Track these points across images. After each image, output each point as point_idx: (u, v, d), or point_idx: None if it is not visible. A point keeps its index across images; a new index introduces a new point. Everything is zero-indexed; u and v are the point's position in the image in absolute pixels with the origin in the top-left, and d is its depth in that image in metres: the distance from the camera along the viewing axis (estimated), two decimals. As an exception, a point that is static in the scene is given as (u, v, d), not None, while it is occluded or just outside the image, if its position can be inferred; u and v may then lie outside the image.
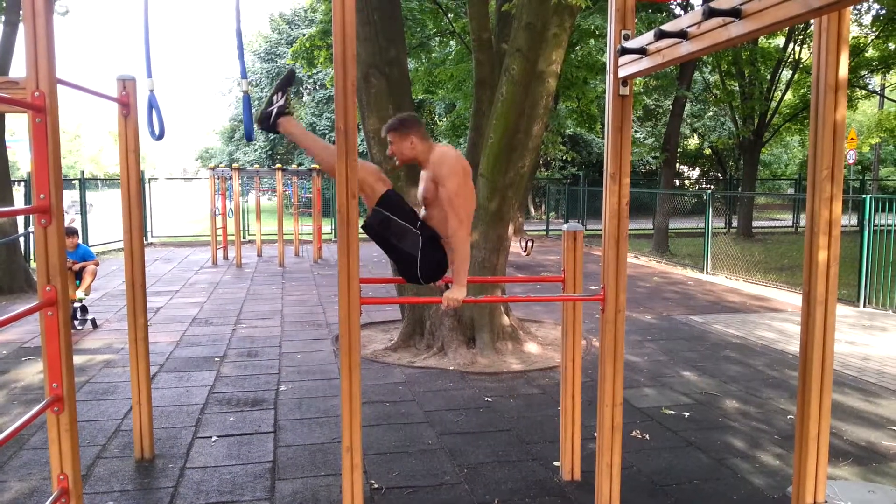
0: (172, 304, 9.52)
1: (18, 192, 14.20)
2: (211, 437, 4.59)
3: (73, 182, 16.56)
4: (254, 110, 3.42)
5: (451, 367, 6.25)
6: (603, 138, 3.31)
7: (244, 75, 3.44)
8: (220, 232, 14.85)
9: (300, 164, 29.08)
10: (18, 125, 33.58)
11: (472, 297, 3.34)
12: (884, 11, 15.82)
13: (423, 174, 3.47)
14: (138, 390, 4.17)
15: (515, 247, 14.03)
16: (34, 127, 2.48)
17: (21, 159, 42.16)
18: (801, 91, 19.40)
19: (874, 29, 17.13)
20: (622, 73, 3.03)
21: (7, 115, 10.43)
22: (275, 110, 3.28)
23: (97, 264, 8.12)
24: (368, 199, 3.32)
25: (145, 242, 16.83)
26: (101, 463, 4.15)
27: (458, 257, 3.29)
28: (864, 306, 9.31)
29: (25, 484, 3.84)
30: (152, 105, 3.83)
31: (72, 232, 7.79)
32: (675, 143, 18.09)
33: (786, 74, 19.38)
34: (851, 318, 8.63)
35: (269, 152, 34.04)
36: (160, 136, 3.87)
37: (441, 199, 3.25)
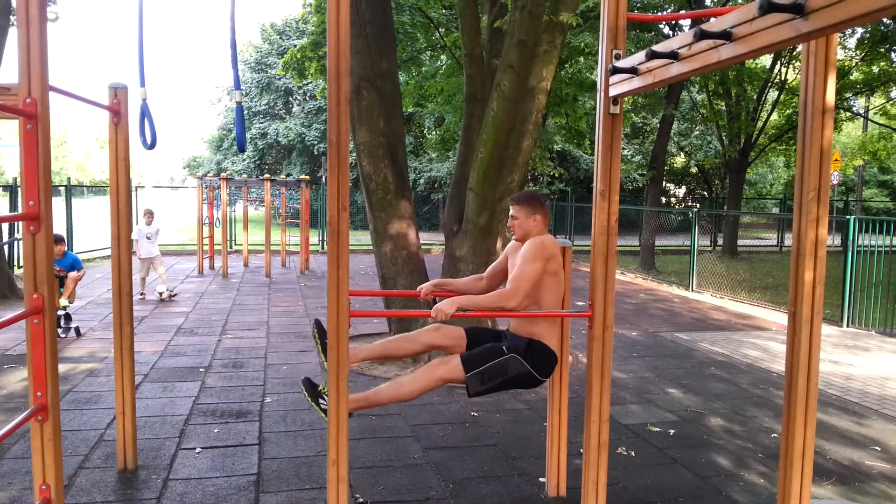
0: (157, 313, 9.46)
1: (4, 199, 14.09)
2: (195, 448, 4.55)
3: (60, 188, 16.41)
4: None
5: (438, 381, 6.23)
6: (591, 154, 3.32)
7: (238, 86, 3.45)
8: (206, 241, 14.78)
9: (289, 175, 29.05)
10: (6, 131, 33.34)
11: (461, 312, 3.34)
12: (868, 34, 16.09)
13: (513, 258, 3.62)
14: (122, 400, 4.13)
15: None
16: (25, 134, 2.47)
17: (7, 165, 41.74)
18: (787, 112, 19.62)
19: (859, 52, 17.41)
20: (613, 91, 3.06)
21: (-6, 121, 10.36)
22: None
23: (82, 272, 8.07)
24: (455, 379, 3.45)
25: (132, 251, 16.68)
26: (84, 473, 4.10)
27: (486, 298, 3.39)
28: (848, 326, 9.39)
29: (6, 494, 3.79)
30: (145, 114, 3.82)
31: (59, 240, 7.73)
32: (662, 161, 18.22)
33: (772, 95, 19.60)
34: (835, 337, 8.70)
35: (258, 162, 34.01)
36: (152, 146, 3.86)
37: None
